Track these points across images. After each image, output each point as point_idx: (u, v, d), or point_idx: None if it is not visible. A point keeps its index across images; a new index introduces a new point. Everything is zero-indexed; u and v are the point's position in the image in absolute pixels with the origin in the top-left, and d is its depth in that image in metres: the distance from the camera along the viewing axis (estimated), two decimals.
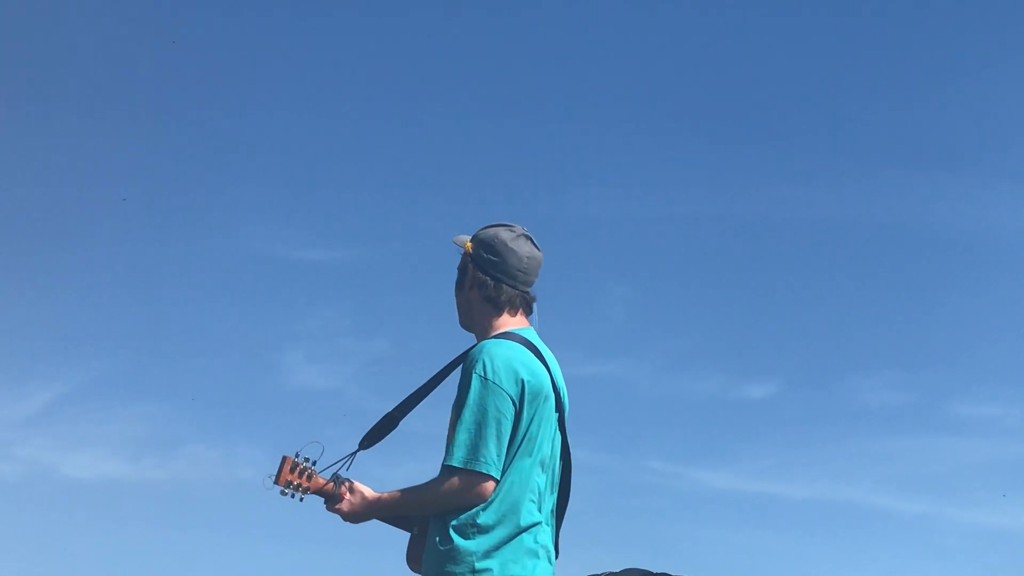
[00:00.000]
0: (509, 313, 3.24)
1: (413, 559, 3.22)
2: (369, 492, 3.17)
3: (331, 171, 12.61)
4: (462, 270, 3.29)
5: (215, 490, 11.03)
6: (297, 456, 3.13)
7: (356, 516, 3.17)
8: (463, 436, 2.99)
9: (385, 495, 3.15)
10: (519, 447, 3.05)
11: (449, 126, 12.75)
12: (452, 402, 3.14)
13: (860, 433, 11.70)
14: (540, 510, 3.12)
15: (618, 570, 3.41)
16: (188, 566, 9.92)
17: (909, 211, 12.25)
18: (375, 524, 3.24)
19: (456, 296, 3.31)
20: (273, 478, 3.11)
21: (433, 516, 3.06)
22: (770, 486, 11.38)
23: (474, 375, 3.02)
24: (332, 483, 3.15)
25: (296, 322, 12.11)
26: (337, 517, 3.20)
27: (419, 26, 12.60)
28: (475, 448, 2.98)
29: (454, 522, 2.99)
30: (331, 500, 3.15)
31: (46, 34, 12.14)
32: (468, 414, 3.00)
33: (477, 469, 2.97)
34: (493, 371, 3.03)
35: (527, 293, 3.26)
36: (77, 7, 12.44)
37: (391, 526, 3.27)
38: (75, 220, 12.43)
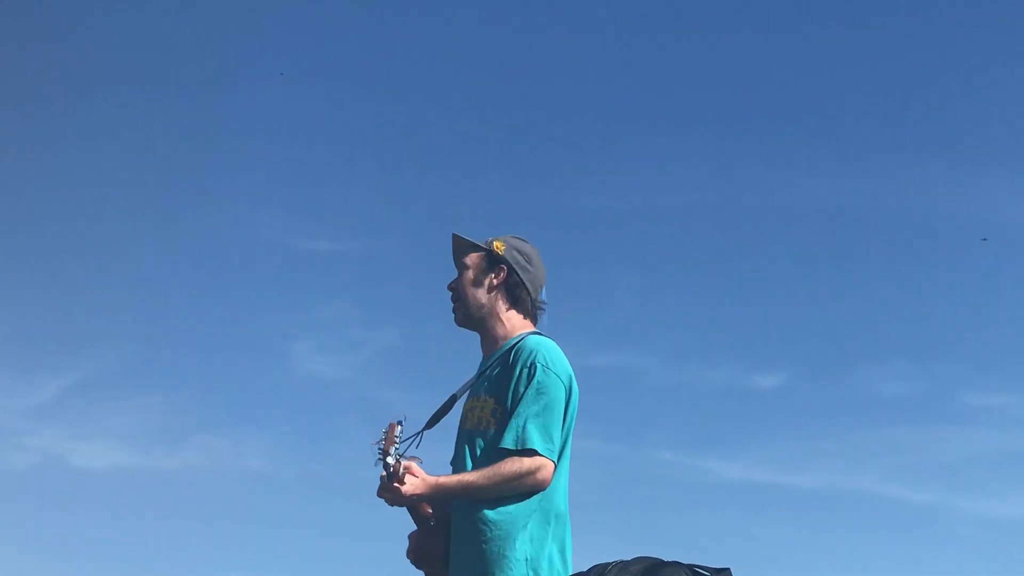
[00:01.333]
0: (523, 316, 3.26)
1: (426, 552, 3.15)
2: (426, 475, 3.07)
3: (341, 162, 12.64)
4: (483, 268, 3.27)
5: (225, 479, 11.08)
6: (401, 423, 3.07)
7: (413, 498, 3.06)
8: (539, 423, 3.01)
9: (443, 478, 3.07)
10: (564, 439, 3.11)
11: (459, 117, 12.76)
12: (488, 387, 3.15)
13: (869, 423, 11.69)
14: None
15: (629, 559, 3.42)
16: (197, 555, 9.97)
17: (919, 202, 12.22)
18: (381, 514, 3.20)
19: (471, 290, 3.26)
20: (381, 443, 3.02)
21: (474, 502, 3.02)
22: (780, 476, 11.38)
23: (539, 366, 3.06)
24: (398, 461, 3.04)
25: (306, 312, 12.13)
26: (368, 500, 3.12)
27: (429, 18, 12.60)
28: (550, 437, 3.02)
29: (508, 508, 2.98)
30: (390, 477, 3.03)
31: (48, 22, 12.16)
32: (538, 403, 3.02)
33: (552, 458, 3.01)
34: (554, 364, 3.09)
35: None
36: None
37: (408, 514, 3.21)
38: (84, 211, 12.47)
